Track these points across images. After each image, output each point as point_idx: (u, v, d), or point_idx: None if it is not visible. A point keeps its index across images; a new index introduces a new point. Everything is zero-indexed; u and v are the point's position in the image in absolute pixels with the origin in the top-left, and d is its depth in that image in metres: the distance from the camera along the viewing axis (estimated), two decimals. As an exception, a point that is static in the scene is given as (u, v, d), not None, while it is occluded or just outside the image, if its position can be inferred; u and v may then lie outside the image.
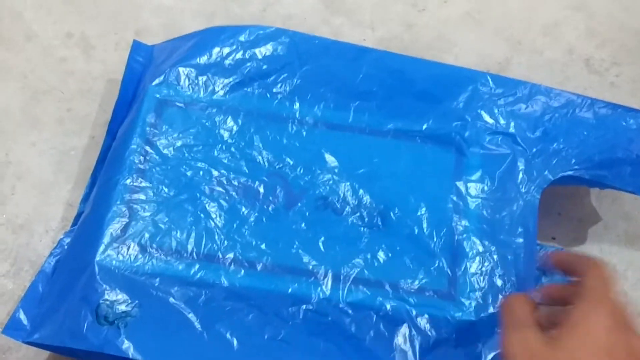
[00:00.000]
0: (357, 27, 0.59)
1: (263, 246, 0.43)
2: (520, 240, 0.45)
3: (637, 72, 0.58)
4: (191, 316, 0.40)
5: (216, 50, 0.48)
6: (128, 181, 0.44)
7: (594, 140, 0.47)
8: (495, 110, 0.48)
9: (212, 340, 0.39)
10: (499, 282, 0.43)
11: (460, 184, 0.46)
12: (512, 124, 0.48)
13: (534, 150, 0.47)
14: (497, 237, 0.45)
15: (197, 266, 0.41)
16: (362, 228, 0.44)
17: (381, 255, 0.43)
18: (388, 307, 0.41)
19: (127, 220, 0.42)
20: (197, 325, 0.39)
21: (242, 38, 0.49)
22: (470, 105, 0.48)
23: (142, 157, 0.45)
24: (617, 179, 0.47)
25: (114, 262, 0.40)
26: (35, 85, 0.54)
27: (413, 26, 0.60)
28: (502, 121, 0.48)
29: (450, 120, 0.48)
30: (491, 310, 0.42)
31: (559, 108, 0.49)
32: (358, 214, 0.45)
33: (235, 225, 0.44)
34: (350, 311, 0.41)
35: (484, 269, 0.43)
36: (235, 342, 0.39)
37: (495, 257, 0.44)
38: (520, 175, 0.46)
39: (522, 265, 0.44)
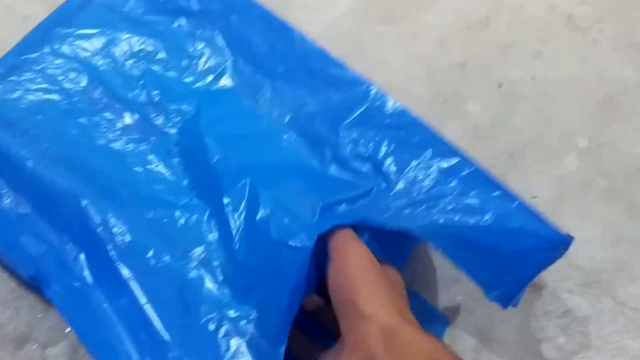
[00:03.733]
0: (336, -14, 0.57)
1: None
2: None
3: (620, 28, 0.58)
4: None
5: None
6: (33, 56, 0.47)
7: (459, 212, 0.41)
8: (378, 138, 0.44)
9: None
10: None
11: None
12: (389, 160, 0.43)
13: (398, 197, 0.42)
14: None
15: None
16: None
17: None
18: None
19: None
20: None
21: None
22: (356, 120, 0.45)
23: (44, 37, 0.48)
24: (469, 268, 0.41)
25: None
26: None
27: (393, -17, 0.58)
28: (379, 153, 0.44)
29: (330, 125, 0.45)
30: None
31: (447, 170, 0.43)
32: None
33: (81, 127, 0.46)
34: None
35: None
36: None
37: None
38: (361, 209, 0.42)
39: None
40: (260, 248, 0.40)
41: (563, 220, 0.51)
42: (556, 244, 0.40)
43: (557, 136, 0.54)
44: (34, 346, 0.46)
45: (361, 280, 0.34)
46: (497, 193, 0.42)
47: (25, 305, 0.47)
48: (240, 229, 0.41)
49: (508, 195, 0.42)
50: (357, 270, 0.35)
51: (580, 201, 0.52)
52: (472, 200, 0.42)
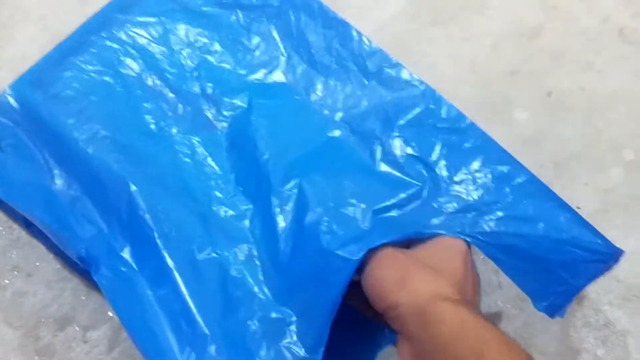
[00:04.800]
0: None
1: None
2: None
3: (671, 44, 0.57)
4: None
5: None
6: (91, 39, 0.48)
7: (513, 220, 0.41)
8: (431, 141, 0.44)
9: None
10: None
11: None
12: (441, 163, 0.43)
13: (449, 202, 0.42)
14: None
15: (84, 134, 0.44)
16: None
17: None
18: None
19: (56, 70, 0.46)
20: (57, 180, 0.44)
21: None
22: (410, 121, 0.45)
23: (103, 23, 0.48)
24: (519, 277, 0.40)
25: (12, 99, 0.45)
26: (55, 28, 0.52)
27: (446, -14, 0.58)
28: (431, 155, 0.44)
29: (382, 124, 0.45)
30: None
31: (500, 177, 0.43)
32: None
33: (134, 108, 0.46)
34: None
35: None
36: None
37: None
38: (412, 213, 0.42)
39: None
40: (306, 252, 0.40)
41: (606, 233, 0.51)
42: (608, 257, 0.40)
43: (604, 149, 0.54)
44: (76, 328, 0.47)
45: (385, 275, 0.36)
46: (550, 202, 0.42)
47: (69, 287, 0.48)
48: (287, 230, 0.41)
49: (562, 205, 0.42)
50: (383, 268, 0.36)
51: (624, 214, 0.51)
52: (524, 209, 0.41)
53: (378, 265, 0.36)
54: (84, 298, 0.47)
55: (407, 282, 0.34)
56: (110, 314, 0.47)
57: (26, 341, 0.46)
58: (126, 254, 0.42)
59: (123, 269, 0.41)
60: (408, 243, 0.40)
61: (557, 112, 0.55)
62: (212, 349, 0.38)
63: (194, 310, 0.39)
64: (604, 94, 0.55)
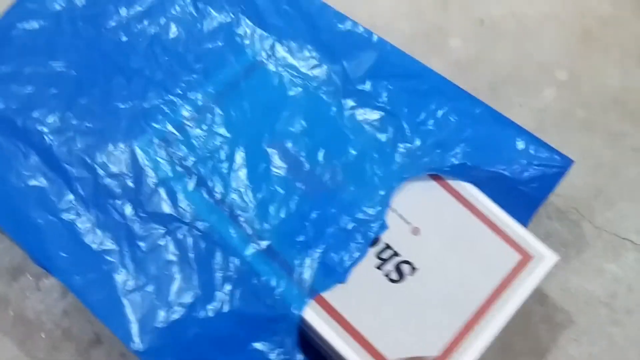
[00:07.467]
0: None
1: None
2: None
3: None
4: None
5: None
6: None
7: (476, 149, 0.44)
8: (388, 87, 0.46)
9: None
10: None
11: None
12: (403, 109, 0.45)
13: (415, 143, 0.44)
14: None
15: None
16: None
17: None
18: None
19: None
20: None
21: None
22: (368, 72, 0.47)
23: None
24: (493, 196, 0.44)
25: None
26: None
27: None
28: (393, 102, 0.46)
29: (342, 77, 0.47)
30: None
31: (459, 112, 0.45)
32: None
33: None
34: None
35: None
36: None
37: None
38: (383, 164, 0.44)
39: None
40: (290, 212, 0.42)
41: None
42: (563, 168, 0.44)
43: (536, 70, 0.55)
44: (29, 277, 0.47)
45: None
46: (508, 128, 0.45)
47: (19, 237, 0.48)
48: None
49: (518, 129, 0.45)
50: None
51: (559, 131, 0.53)
52: (485, 138, 0.44)
53: None
54: (34, 248, 0.48)
55: None
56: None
57: (-20, 294, 0.46)
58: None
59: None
60: None
61: (490, 38, 0.56)
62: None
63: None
64: (534, 18, 0.56)
